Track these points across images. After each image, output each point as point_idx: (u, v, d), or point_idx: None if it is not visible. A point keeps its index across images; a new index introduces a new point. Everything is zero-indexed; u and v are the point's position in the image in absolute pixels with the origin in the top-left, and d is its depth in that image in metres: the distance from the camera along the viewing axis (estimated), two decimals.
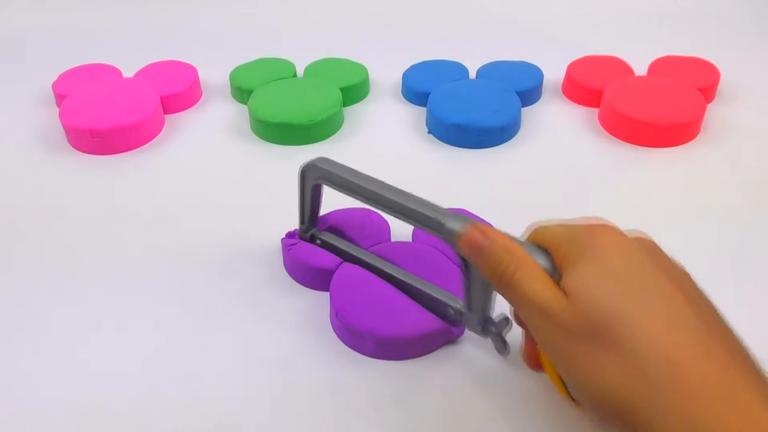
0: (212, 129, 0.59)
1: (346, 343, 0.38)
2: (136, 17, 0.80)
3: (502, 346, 0.35)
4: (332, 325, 0.39)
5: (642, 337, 0.25)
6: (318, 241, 0.42)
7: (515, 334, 0.35)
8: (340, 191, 0.38)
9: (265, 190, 0.51)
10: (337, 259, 0.41)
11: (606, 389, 0.26)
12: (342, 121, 0.59)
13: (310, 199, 0.40)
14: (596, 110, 0.60)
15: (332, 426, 0.34)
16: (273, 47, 0.70)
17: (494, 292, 0.33)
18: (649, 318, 0.26)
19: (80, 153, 0.56)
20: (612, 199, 0.49)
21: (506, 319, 0.35)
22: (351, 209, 0.45)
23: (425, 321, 0.37)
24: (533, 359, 0.34)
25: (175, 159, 0.56)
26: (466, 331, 0.38)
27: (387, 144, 0.57)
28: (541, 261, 0.30)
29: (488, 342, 0.36)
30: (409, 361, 0.37)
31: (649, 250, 0.29)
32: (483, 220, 0.44)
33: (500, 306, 0.33)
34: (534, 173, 0.52)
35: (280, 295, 0.42)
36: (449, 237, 0.33)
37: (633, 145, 0.55)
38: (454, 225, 0.32)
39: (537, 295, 0.28)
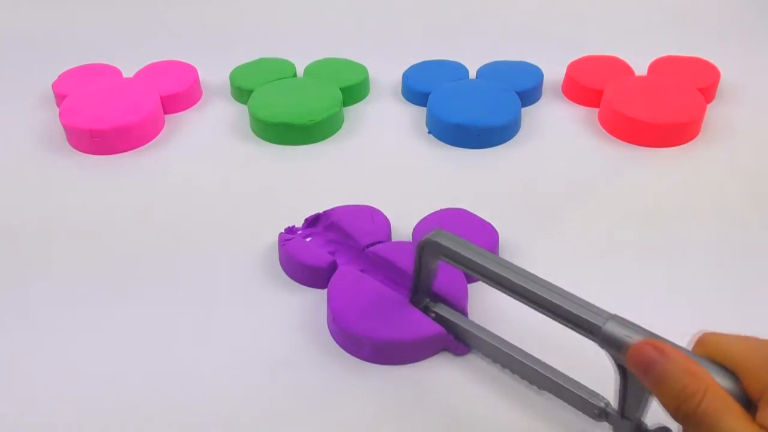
0: (212, 129, 0.59)
1: (342, 347, 0.38)
2: (136, 17, 0.80)
3: None
4: (329, 328, 0.39)
5: None
6: (432, 314, 0.38)
7: None
8: (462, 270, 0.34)
9: (265, 190, 0.51)
10: (330, 258, 0.41)
11: None
12: (342, 121, 0.59)
13: (428, 273, 0.37)
14: (596, 110, 0.60)
15: (325, 430, 0.34)
16: (273, 47, 0.70)
17: (651, 398, 0.29)
18: None
19: (80, 153, 0.56)
20: (612, 199, 0.49)
21: (665, 430, 0.31)
22: (354, 206, 0.45)
23: (422, 326, 0.37)
24: None
25: (175, 159, 0.55)
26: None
27: (387, 144, 0.57)
28: (728, 385, 0.25)
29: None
30: (405, 366, 0.37)
31: None
32: (486, 222, 0.44)
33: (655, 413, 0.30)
34: (534, 173, 0.52)
35: (277, 294, 0.42)
36: (609, 344, 0.29)
37: (633, 145, 0.55)
38: (617, 331, 0.28)
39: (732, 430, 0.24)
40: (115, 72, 0.65)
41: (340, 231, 0.44)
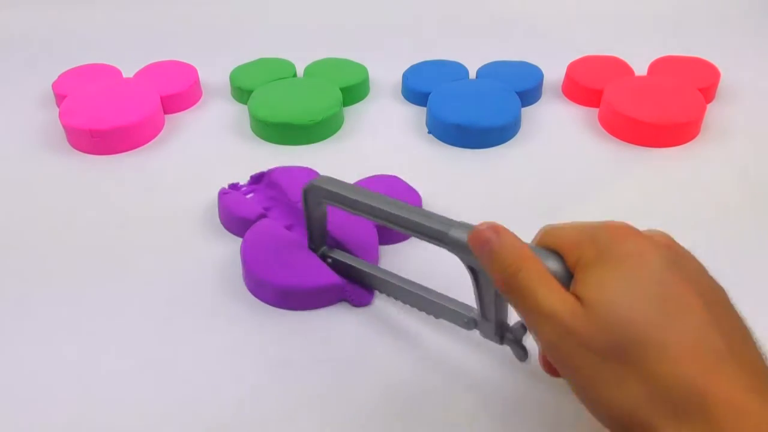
0: (212, 129, 0.59)
1: (251, 292, 0.41)
2: (136, 17, 0.80)
3: (521, 353, 0.34)
4: (243, 274, 0.42)
5: (667, 360, 0.24)
6: (329, 260, 0.41)
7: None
8: (343, 209, 0.37)
9: None
10: (260, 210, 0.44)
11: (624, 407, 0.25)
12: (342, 121, 0.59)
13: (317, 218, 0.40)
14: (596, 110, 0.60)
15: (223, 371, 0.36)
16: (273, 47, 0.70)
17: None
18: (676, 339, 0.24)
19: (80, 153, 0.56)
20: (612, 199, 0.49)
21: (523, 326, 0.34)
22: (296, 167, 0.49)
23: (322, 274, 0.40)
24: (552, 366, 0.31)
25: (175, 159, 0.56)
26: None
27: (387, 144, 0.57)
28: (551, 264, 0.28)
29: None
30: (308, 312, 0.40)
31: (672, 258, 0.27)
32: (411, 188, 0.45)
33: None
34: (534, 173, 0.52)
35: (212, 243, 0.45)
36: (455, 246, 0.32)
37: (633, 145, 0.55)
38: (459, 233, 0.31)
39: (546, 300, 0.26)
40: (115, 72, 0.65)
41: (278, 188, 0.47)
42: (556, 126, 0.58)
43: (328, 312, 0.40)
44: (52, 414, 0.35)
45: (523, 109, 0.59)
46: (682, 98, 0.56)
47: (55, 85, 0.63)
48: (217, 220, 0.48)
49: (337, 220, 0.42)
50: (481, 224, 0.30)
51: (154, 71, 0.65)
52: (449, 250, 0.32)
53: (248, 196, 0.48)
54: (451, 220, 0.33)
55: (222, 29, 0.78)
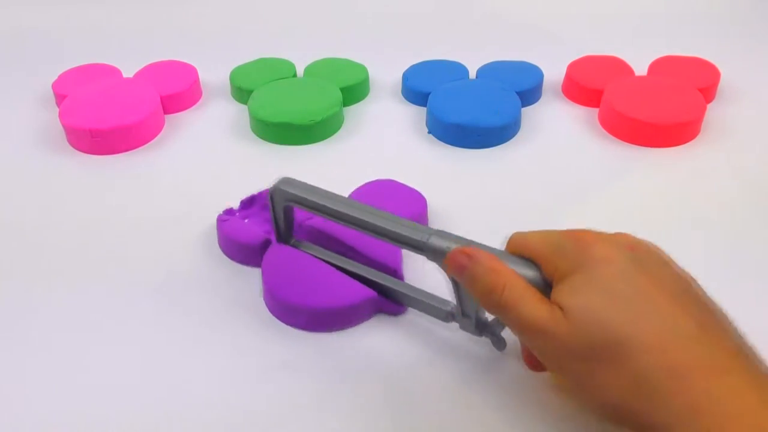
0: (212, 129, 0.59)
1: (278, 318, 0.39)
2: (136, 17, 0.80)
3: (499, 344, 0.36)
4: (265, 301, 0.40)
5: (643, 353, 0.26)
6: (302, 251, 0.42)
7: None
8: (310, 212, 0.38)
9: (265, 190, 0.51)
10: (263, 235, 0.42)
11: (611, 401, 0.27)
12: (342, 121, 0.59)
13: (282, 218, 0.40)
14: (596, 110, 0.60)
15: (274, 401, 0.35)
16: (273, 47, 0.70)
17: None
18: (648, 333, 0.26)
19: (80, 153, 0.56)
20: (612, 199, 0.49)
21: (500, 321, 0.35)
22: None
23: (354, 291, 0.38)
24: (533, 361, 0.34)
25: (175, 159, 0.55)
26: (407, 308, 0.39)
27: (387, 144, 0.57)
28: (529, 274, 0.30)
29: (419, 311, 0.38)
30: (342, 331, 0.38)
31: (636, 257, 0.29)
32: (413, 190, 0.45)
33: None
34: (534, 173, 0.52)
35: (214, 272, 0.43)
36: (433, 256, 0.33)
37: (633, 145, 0.55)
38: (439, 243, 0.32)
39: (531, 316, 0.28)
40: (115, 72, 0.65)
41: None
42: (556, 126, 0.58)
43: (361, 328, 0.39)
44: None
45: (523, 109, 0.59)
46: (682, 98, 0.56)
47: (55, 85, 0.63)
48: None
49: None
50: (455, 250, 0.32)
51: (154, 71, 0.65)
52: (427, 258, 0.33)
53: (245, 221, 0.46)
54: (427, 227, 0.34)
55: (222, 29, 0.78)
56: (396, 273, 0.40)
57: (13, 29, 0.79)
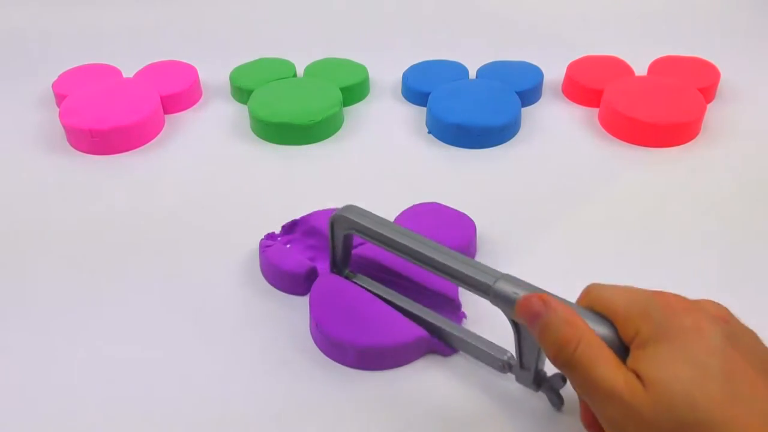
0: (212, 129, 0.59)
1: (326, 354, 0.37)
2: (136, 17, 0.80)
3: (557, 401, 0.34)
4: (312, 335, 0.39)
5: None
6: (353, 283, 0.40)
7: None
8: (372, 242, 0.36)
9: (265, 190, 0.51)
10: (309, 264, 0.41)
11: None
12: (342, 121, 0.59)
13: (341, 247, 0.39)
14: (596, 110, 0.60)
15: None
16: (273, 47, 0.70)
17: None
18: (741, 416, 0.24)
19: (80, 153, 0.56)
20: (612, 199, 0.49)
21: (562, 378, 0.33)
22: (333, 209, 0.45)
23: (406, 330, 0.36)
24: (592, 423, 0.31)
25: (175, 159, 0.55)
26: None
27: (387, 144, 0.57)
28: (605, 332, 0.28)
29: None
30: (392, 370, 0.37)
31: (729, 332, 0.27)
32: (462, 214, 0.44)
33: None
34: (534, 173, 0.52)
35: (258, 301, 0.41)
36: (500, 301, 0.31)
37: (633, 145, 0.55)
38: (506, 289, 0.30)
39: (606, 378, 0.26)
40: (115, 72, 0.65)
41: (320, 235, 0.43)
42: (556, 126, 0.58)
43: (411, 368, 0.37)
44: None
45: (523, 109, 0.59)
46: (682, 98, 0.56)
47: (55, 85, 0.63)
48: (217, 220, 0.48)
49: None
50: (530, 295, 0.30)
51: (154, 71, 0.65)
52: (491, 301, 0.31)
53: (287, 246, 0.44)
54: (494, 270, 0.32)
55: (222, 29, 0.78)
56: (453, 303, 0.39)
57: (13, 29, 0.79)
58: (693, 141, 0.55)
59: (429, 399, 0.35)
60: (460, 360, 0.37)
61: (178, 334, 0.39)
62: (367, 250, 0.41)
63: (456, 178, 0.52)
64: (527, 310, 0.29)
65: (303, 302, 0.40)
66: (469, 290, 0.32)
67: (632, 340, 0.27)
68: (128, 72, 0.65)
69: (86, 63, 0.66)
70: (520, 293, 0.30)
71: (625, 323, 0.28)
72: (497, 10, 0.80)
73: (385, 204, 0.46)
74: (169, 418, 0.35)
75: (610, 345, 0.27)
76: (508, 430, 0.34)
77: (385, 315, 0.37)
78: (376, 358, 0.36)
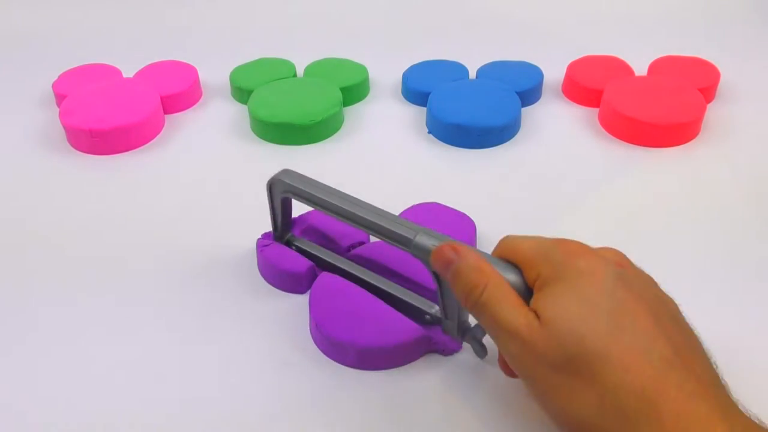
0: (212, 129, 0.59)
1: (326, 354, 0.37)
2: (136, 17, 0.80)
3: (480, 350, 0.36)
4: (312, 335, 0.39)
5: (617, 371, 0.25)
6: (293, 247, 0.42)
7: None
8: (307, 204, 0.38)
9: (265, 191, 0.51)
10: (308, 263, 0.41)
11: (579, 417, 0.26)
12: (342, 121, 0.59)
13: (280, 211, 0.41)
14: (596, 110, 0.60)
15: None
16: (273, 47, 0.70)
17: None
18: (624, 350, 0.26)
19: (80, 153, 0.56)
20: (612, 198, 0.49)
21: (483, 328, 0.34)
22: None
23: (406, 330, 0.36)
24: (508, 367, 0.33)
25: (175, 159, 0.55)
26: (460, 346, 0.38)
27: (387, 144, 0.57)
28: (512, 278, 0.30)
29: (470, 349, 0.37)
30: (392, 370, 0.37)
31: (622, 274, 0.28)
32: (462, 214, 0.44)
33: None
34: (534, 173, 0.52)
35: (257, 301, 0.41)
36: (419, 253, 0.32)
37: (633, 145, 0.55)
38: (424, 241, 0.32)
39: (507, 318, 0.28)
40: (115, 72, 0.65)
41: (318, 234, 0.43)
42: (556, 126, 0.58)
43: (411, 368, 0.37)
44: None
45: (523, 109, 0.59)
46: (682, 98, 0.56)
47: (55, 85, 0.63)
48: (217, 220, 0.48)
49: None
50: (443, 245, 0.31)
51: (154, 71, 0.65)
52: (413, 254, 0.33)
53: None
54: (416, 225, 0.33)
55: (222, 29, 0.78)
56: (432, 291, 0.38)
57: (14, 29, 0.79)
58: (693, 141, 0.55)
59: (429, 399, 0.35)
60: (460, 360, 0.37)
61: (178, 334, 0.39)
62: (366, 250, 0.42)
63: (456, 178, 0.52)
64: (440, 258, 0.31)
65: (302, 301, 0.40)
66: (393, 244, 0.34)
67: (534, 282, 0.29)
68: (128, 72, 0.65)
69: (86, 63, 0.66)
70: (437, 244, 0.32)
71: (530, 268, 0.29)
72: (497, 10, 0.80)
73: (385, 204, 0.46)
74: (169, 419, 0.34)
75: (517, 289, 0.29)
76: (509, 430, 0.34)
77: (385, 315, 0.37)
78: (376, 358, 0.36)
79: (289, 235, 0.43)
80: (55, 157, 0.56)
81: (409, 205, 0.46)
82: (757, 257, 0.44)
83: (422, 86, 0.61)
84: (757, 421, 0.26)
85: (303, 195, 0.38)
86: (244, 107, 0.61)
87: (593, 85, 0.60)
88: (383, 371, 0.36)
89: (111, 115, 0.56)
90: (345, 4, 0.81)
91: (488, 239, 0.45)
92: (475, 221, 0.45)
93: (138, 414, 0.35)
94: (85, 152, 0.56)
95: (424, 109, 0.60)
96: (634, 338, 0.26)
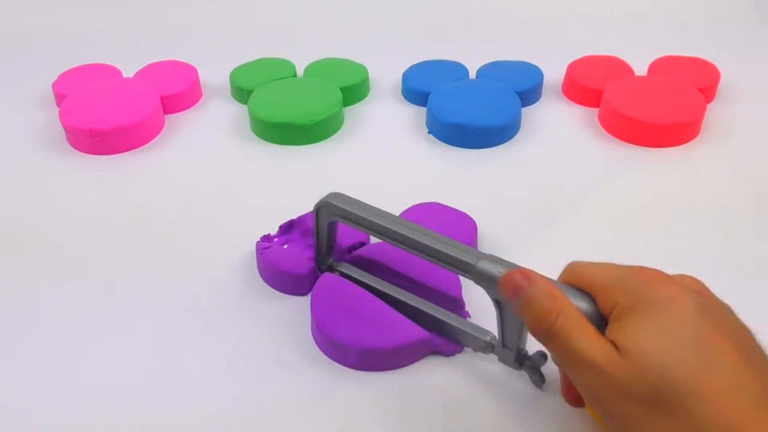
0: (212, 129, 0.59)
1: (327, 355, 0.37)
2: (136, 17, 0.80)
3: (538, 379, 0.34)
4: (313, 336, 0.38)
5: (705, 406, 0.24)
6: (337, 273, 0.41)
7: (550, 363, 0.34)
8: (357, 228, 0.36)
9: (265, 190, 0.51)
10: (309, 264, 0.41)
11: None
12: (342, 121, 0.59)
13: (326, 235, 0.39)
14: (596, 110, 0.60)
15: None
16: (273, 47, 0.70)
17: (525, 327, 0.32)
18: (713, 385, 0.25)
19: (80, 153, 0.56)
20: (612, 198, 0.49)
21: (543, 356, 0.34)
22: None
23: (407, 331, 0.36)
24: (574, 396, 0.32)
25: (175, 159, 0.55)
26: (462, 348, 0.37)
27: (387, 144, 0.57)
28: (584, 306, 0.29)
29: (475, 352, 0.36)
30: (394, 371, 0.37)
31: (704, 303, 0.27)
32: (463, 213, 0.44)
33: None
34: (534, 173, 0.52)
35: (258, 302, 0.41)
36: (482, 279, 0.31)
37: (633, 145, 0.55)
38: (489, 267, 0.31)
39: (585, 348, 0.27)
40: (115, 72, 0.65)
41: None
42: (556, 126, 0.58)
43: (412, 369, 0.37)
44: None
45: (523, 109, 0.59)
46: (682, 98, 0.56)
47: (55, 85, 0.63)
48: (217, 220, 0.48)
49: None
50: (513, 271, 0.30)
51: (154, 71, 0.65)
52: (474, 281, 0.32)
53: (284, 246, 0.43)
54: (477, 250, 0.32)
55: (222, 29, 0.78)
56: (457, 301, 0.38)
57: (14, 29, 0.79)
58: (693, 141, 0.55)
59: (430, 400, 0.35)
60: (461, 361, 0.37)
61: (179, 334, 0.39)
62: (368, 251, 0.42)
63: (456, 178, 0.52)
64: (510, 285, 0.30)
65: (303, 303, 0.40)
66: (454, 271, 0.33)
67: (611, 312, 0.28)
68: (128, 72, 0.65)
69: (86, 63, 0.66)
70: (503, 271, 0.31)
71: (604, 296, 0.28)
72: (497, 10, 0.80)
73: (385, 204, 0.46)
74: (169, 419, 0.34)
75: (590, 317, 0.28)
76: (511, 431, 0.33)
77: (386, 316, 0.37)
78: (377, 360, 0.36)
79: (331, 260, 0.41)
80: (55, 157, 0.56)
81: (410, 205, 0.46)
82: (756, 257, 0.44)
83: (422, 86, 0.61)
84: None
85: (354, 219, 0.36)
86: (244, 107, 0.61)
87: (593, 85, 0.60)
88: (384, 372, 0.36)
89: (111, 115, 0.56)
90: (345, 4, 0.81)
91: (488, 239, 0.45)
92: (475, 221, 0.45)
93: (138, 414, 0.35)
94: (85, 152, 0.56)
95: (424, 109, 0.60)
96: (722, 372, 0.25)
